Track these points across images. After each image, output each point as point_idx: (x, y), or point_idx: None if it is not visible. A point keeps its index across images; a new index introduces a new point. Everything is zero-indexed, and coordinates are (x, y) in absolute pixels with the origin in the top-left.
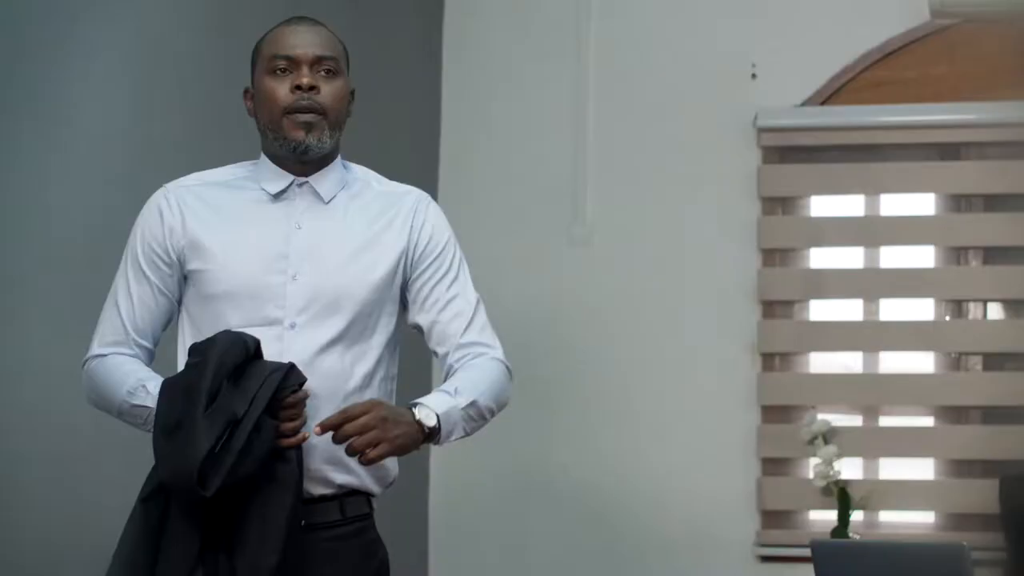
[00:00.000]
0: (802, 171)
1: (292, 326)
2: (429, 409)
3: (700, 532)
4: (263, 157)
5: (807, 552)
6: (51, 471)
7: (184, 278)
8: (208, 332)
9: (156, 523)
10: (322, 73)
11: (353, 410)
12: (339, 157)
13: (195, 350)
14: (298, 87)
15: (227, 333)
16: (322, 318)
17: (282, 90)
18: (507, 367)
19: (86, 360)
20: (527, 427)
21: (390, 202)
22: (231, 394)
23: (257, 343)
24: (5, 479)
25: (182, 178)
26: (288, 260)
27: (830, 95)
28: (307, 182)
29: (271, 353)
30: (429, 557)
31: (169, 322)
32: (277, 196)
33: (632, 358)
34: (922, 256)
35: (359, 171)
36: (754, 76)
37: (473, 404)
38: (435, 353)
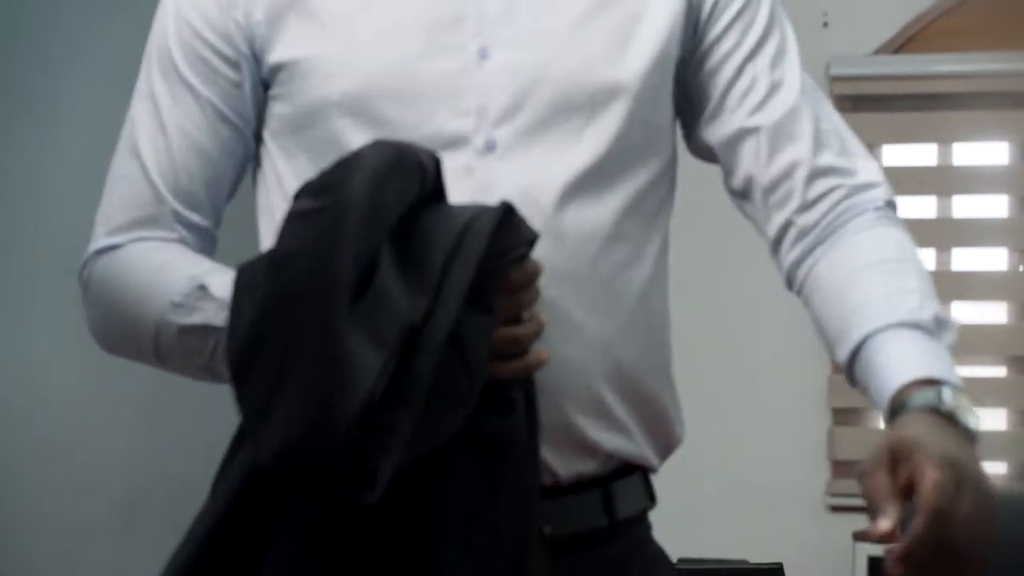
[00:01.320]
0: (875, 120)
1: (490, 147)
2: (953, 391)
3: (771, 482)
4: None
5: None
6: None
7: (265, 87)
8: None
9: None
10: None
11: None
12: None
13: (313, 188)
14: None
15: (380, 146)
16: (547, 131)
17: None
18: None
19: (86, 262)
20: None
21: None
22: (399, 273)
23: (437, 163)
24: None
25: None
26: (468, 25)
27: (903, 43)
28: None
29: (456, 199)
30: None
31: (239, 181)
32: None
33: (703, 309)
34: (995, 205)
35: None
36: (826, 24)
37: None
38: (745, 200)
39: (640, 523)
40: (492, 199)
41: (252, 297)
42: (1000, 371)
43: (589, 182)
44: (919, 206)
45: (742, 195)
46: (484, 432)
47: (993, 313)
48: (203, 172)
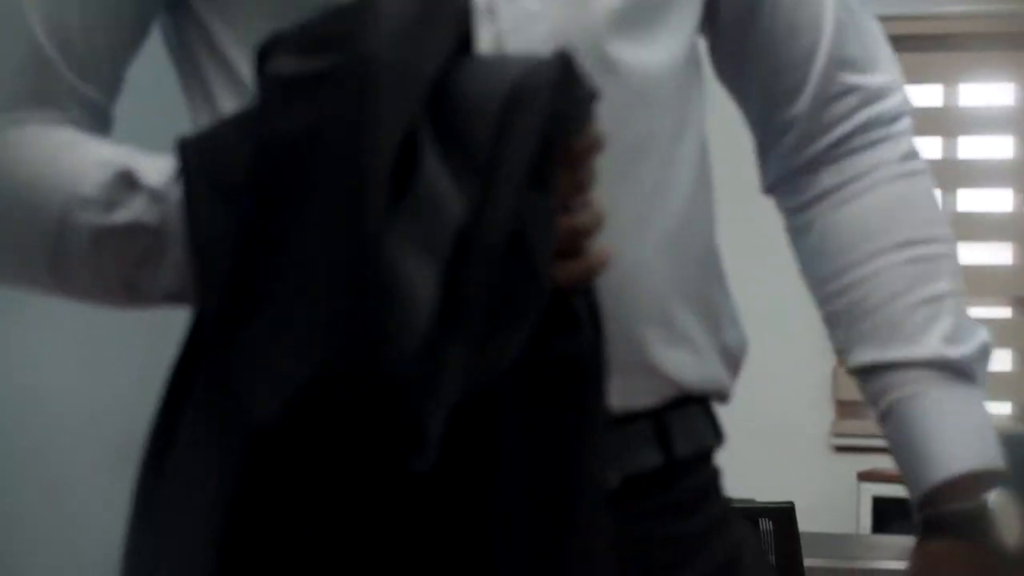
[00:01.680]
0: None
1: None
2: (1000, 498)
3: (775, 422)
4: None
5: (882, 443)
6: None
7: None
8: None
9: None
10: None
11: None
12: None
13: (305, 41)
14: None
15: None
16: None
17: None
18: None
19: None
20: None
21: None
22: (440, 155)
23: (466, 9)
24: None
25: None
26: None
27: None
28: None
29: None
30: None
31: (142, 41)
32: None
33: None
34: (1001, 146)
35: None
36: None
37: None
38: (738, 84)
39: (707, 465)
40: (520, 41)
41: (226, 196)
42: (1006, 312)
43: (640, 15)
44: (924, 147)
45: (734, 74)
46: (545, 356)
47: (999, 254)
48: (107, 40)
